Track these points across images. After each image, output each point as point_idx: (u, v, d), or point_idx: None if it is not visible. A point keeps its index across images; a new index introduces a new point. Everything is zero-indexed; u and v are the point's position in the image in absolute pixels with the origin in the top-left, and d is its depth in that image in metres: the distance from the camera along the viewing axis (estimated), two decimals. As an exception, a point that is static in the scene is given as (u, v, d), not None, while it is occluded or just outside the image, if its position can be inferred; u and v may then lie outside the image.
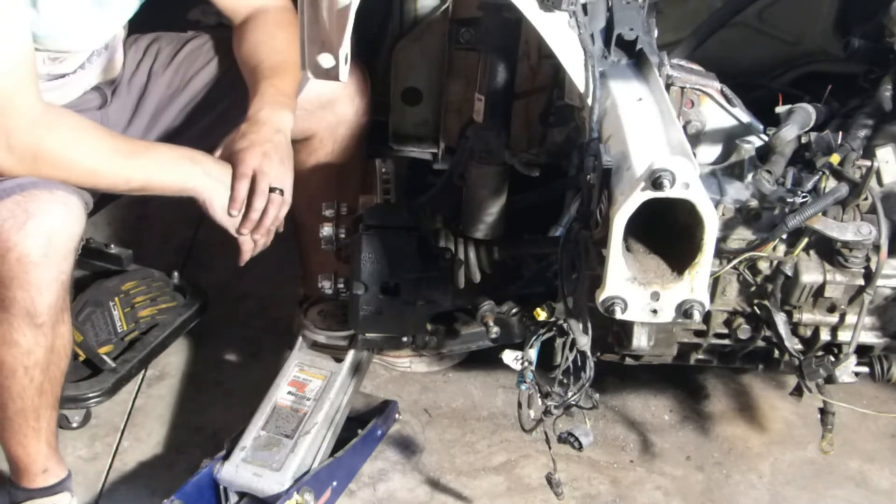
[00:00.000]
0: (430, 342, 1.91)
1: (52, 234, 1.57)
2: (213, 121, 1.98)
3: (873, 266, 1.59)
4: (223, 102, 1.98)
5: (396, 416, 2.10)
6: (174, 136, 1.97)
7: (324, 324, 1.96)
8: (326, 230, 1.83)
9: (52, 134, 1.63)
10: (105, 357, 2.05)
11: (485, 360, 2.18)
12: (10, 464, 1.79)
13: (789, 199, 1.56)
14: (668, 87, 1.61)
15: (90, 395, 2.02)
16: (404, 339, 1.88)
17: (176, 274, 2.31)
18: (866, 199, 1.58)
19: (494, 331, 1.80)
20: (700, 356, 1.79)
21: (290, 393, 1.87)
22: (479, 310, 1.82)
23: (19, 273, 1.55)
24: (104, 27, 1.82)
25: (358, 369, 1.95)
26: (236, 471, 1.76)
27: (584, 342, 1.56)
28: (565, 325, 1.58)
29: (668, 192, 1.28)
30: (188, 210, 2.65)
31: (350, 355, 1.91)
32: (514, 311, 1.83)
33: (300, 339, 1.97)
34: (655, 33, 1.69)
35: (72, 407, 2.03)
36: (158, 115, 1.98)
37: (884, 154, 1.62)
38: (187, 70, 1.99)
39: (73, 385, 2.00)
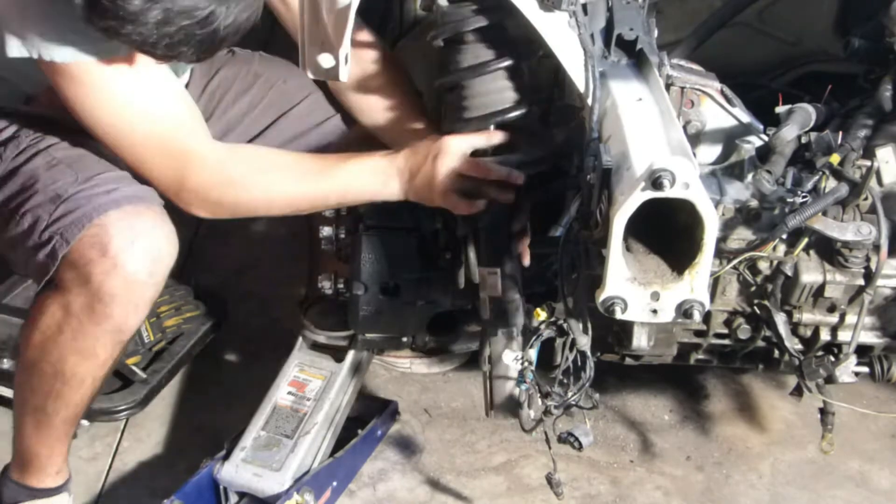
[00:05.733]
0: (430, 342, 1.91)
1: (159, 254, 1.57)
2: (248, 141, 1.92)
3: (873, 266, 1.58)
4: (256, 126, 1.93)
5: (396, 416, 2.10)
6: None
7: (324, 324, 1.95)
8: (326, 230, 1.83)
9: (237, 180, 1.61)
10: (135, 368, 2.05)
11: (485, 360, 2.18)
12: (26, 461, 1.76)
13: (789, 199, 1.55)
14: (668, 87, 1.61)
15: (123, 406, 2.03)
16: (404, 339, 1.88)
17: (194, 282, 2.30)
18: (866, 199, 1.58)
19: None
20: (700, 356, 1.79)
21: (290, 393, 1.87)
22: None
23: (124, 291, 1.55)
24: None
25: (358, 369, 1.95)
26: (236, 471, 1.76)
27: (584, 342, 1.56)
28: (565, 325, 1.58)
29: (668, 192, 1.28)
30: (188, 210, 2.66)
31: (350, 355, 1.91)
32: None
33: (300, 339, 1.97)
34: (655, 33, 1.69)
35: (105, 419, 2.03)
36: None
37: (884, 154, 1.62)
38: (221, 98, 1.94)
39: (105, 397, 2.01)
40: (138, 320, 1.61)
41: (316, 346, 1.96)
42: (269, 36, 1.92)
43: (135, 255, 1.54)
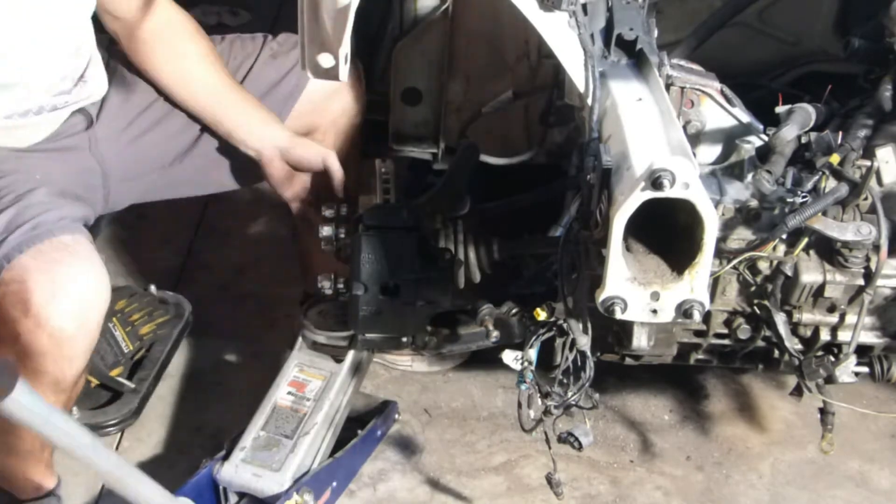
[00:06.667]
0: (430, 342, 1.91)
1: (86, 303, 1.50)
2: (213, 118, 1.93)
3: (873, 266, 1.58)
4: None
5: (396, 416, 2.10)
6: (171, 139, 1.93)
7: (324, 324, 1.95)
8: (326, 230, 1.83)
9: None
10: (122, 380, 2.05)
11: (485, 360, 2.17)
12: (4, 480, 1.77)
13: (789, 199, 1.56)
14: (668, 87, 1.61)
15: (119, 418, 2.02)
16: (404, 339, 1.88)
17: (153, 287, 2.28)
18: (866, 199, 1.58)
19: (494, 335, 1.79)
20: (700, 356, 1.79)
21: (289, 393, 1.87)
22: (479, 313, 1.81)
23: (52, 348, 1.48)
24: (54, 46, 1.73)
25: (358, 369, 1.95)
26: (236, 471, 1.76)
27: (584, 342, 1.56)
28: (565, 325, 1.58)
29: (668, 192, 1.28)
30: (188, 211, 2.66)
31: (350, 356, 1.91)
32: (513, 311, 1.83)
33: (300, 339, 1.96)
34: (655, 33, 1.69)
35: (102, 433, 2.01)
36: (153, 125, 1.90)
37: (884, 154, 1.62)
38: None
39: (99, 412, 2.00)
40: (76, 371, 1.55)
41: (316, 346, 1.96)
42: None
43: (58, 310, 1.46)
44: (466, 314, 1.91)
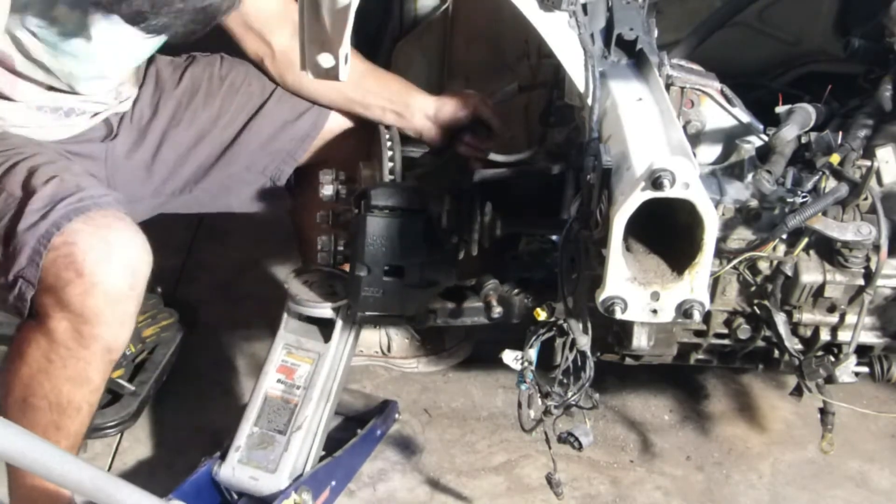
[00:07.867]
0: (431, 318, 1.86)
1: (137, 264, 1.53)
2: (224, 150, 1.92)
3: (873, 266, 1.58)
4: (229, 131, 1.92)
5: (396, 415, 2.09)
6: (180, 167, 1.92)
7: (310, 295, 1.90)
8: (328, 190, 1.79)
9: None
10: (122, 382, 2.04)
11: (485, 360, 2.17)
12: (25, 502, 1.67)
13: (789, 199, 1.55)
14: (668, 87, 1.61)
15: (117, 420, 2.01)
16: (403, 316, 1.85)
17: (159, 289, 2.27)
18: (866, 199, 1.58)
19: (497, 311, 1.75)
20: (700, 356, 1.79)
21: (279, 381, 1.81)
22: (483, 287, 1.78)
23: (106, 308, 1.49)
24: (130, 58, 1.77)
25: (345, 350, 1.87)
26: (233, 473, 1.75)
27: (584, 342, 1.56)
28: (565, 325, 1.58)
29: (668, 192, 1.28)
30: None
31: (336, 336, 1.84)
32: (516, 291, 1.80)
33: (284, 316, 1.88)
34: (655, 33, 1.70)
35: (99, 436, 2.01)
36: (162, 147, 1.91)
37: (884, 154, 1.62)
38: (189, 103, 1.91)
39: (98, 413, 1.94)
40: (126, 336, 1.57)
41: (302, 319, 1.89)
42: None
43: (113, 270, 1.49)
44: (471, 290, 1.87)
